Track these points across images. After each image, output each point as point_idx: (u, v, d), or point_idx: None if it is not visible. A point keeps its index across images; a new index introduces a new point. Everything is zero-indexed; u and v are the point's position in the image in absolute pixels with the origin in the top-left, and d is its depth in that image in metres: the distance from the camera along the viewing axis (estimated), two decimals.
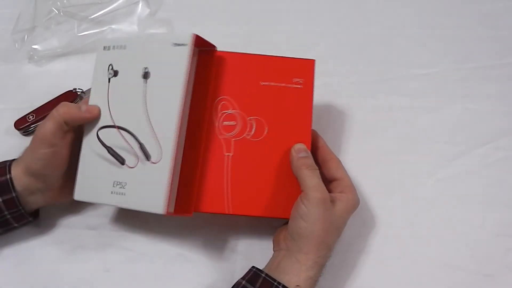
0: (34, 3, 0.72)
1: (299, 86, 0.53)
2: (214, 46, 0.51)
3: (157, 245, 0.57)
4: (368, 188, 0.59)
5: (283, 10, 0.73)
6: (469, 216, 0.58)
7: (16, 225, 0.53)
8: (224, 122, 0.52)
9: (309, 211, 0.47)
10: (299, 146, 0.51)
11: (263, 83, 0.53)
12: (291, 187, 0.51)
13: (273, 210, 0.51)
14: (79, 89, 0.66)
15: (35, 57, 0.70)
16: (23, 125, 0.63)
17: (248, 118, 0.52)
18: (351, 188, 0.51)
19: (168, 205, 0.46)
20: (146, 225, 0.58)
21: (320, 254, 0.47)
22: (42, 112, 0.64)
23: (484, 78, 0.67)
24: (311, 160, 0.50)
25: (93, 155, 0.52)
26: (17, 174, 0.51)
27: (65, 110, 0.51)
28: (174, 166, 0.47)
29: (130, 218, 0.58)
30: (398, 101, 0.65)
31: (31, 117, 0.64)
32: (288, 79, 0.53)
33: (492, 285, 0.54)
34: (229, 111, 0.52)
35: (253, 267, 0.49)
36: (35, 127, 0.64)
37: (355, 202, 0.51)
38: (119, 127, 0.50)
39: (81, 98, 0.66)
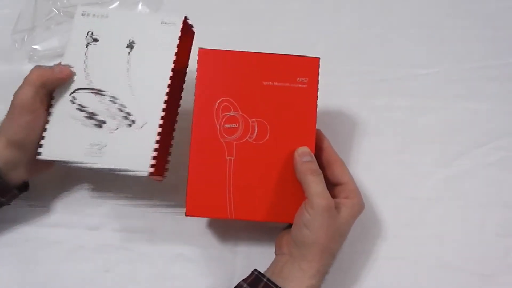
0: (34, 3, 0.72)
1: (303, 86, 0.51)
2: (193, 31, 0.55)
3: (157, 245, 0.57)
4: (368, 188, 0.60)
5: (283, 10, 0.73)
6: (469, 216, 0.58)
7: (2, 199, 0.52)
8: (226, 125, 0.51)
9: (313, 219, 0.46)
10: (303, 149, 0.50)
11: (266, 83, 0.51)
12: (295, 191, 0.50)
13: (276, 215, 0.50)
14: None
15: (35, 57, 0.69)
16: None
17: (250, 120, 0.51)
18: (357, 193, 0.50)
19: (152, 167, 0.49)
20: (146, 225, 0.58)
21: (324, 262, 0.47)
22: None
23: (484, 78, 0.67)
24: (315, 165, 0.49)
25: (65, 116, 0.52)
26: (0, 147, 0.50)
27: (40, 72, 0.50)
28: (160, 131, 0.50)
29: (130, 218, 0.58)
30: (398, 101, 0.65)
31: None
32: (292, 79, 0.51)
33: (492, 285, 0.54)
34: (231, 113, 0.51)
35: (255, 270, 0.48)
36: None
37: (360, 207, 0.50)
38: (98, 92, 0.52)
39: None
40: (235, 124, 0.51)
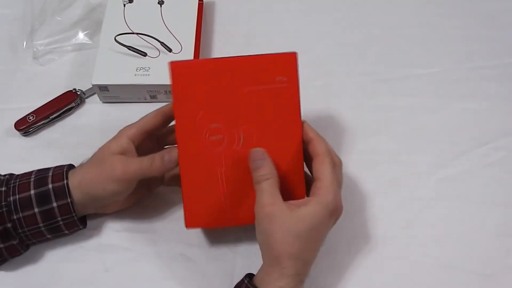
0: (36, 3, 0.72)
1: (283, 85, 0.49)
2: None
3: (157, 245, 0.57)
4: (368, 188, 0.59)
5: (283, 10, 0.73)
6: (469, 216, 0.58)
7: (66, 232, 0.54)
8: (211, 137, 0.49)
9: (258, 226, 0.46)
10: (253, 155, 0.48)
11: (245, 88, 0.49)
12: (284, 192, 0.48)
13: None
14: (79, 89, 0.66)
15: (37, 56, 0.70)
16: (24, 126, 0.63)
17: (235, 129, 0.49)
18: (324, 191, 0.46)
19: None
20: (146, 225, 0.58)
21: (283, 266, 0.45)
22: (42, 112, 0.64)
23: (484, 78, 0.67)
24: (263, 170, 0.47)
25: (112, 52, 0.65)
26: (73, 187, 0.51)
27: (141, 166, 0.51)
28: (194, 53, 0.65)
29: (130, 218, 0.58)
30: (398, 101, 0.65)
31: (31, 117, 0.64)
32: (270, 80, 0.49)
33: (492, 285, 0.54)
34: (214, 125, 0.49)
35: (247, 274, 0.49)
36: (35, 127, 0.64)
37: (325, 204, 0.46)
38: (138, 33, 0.66)
39: (81, 98, 0.66)
40: (219, 136, 0.49)
